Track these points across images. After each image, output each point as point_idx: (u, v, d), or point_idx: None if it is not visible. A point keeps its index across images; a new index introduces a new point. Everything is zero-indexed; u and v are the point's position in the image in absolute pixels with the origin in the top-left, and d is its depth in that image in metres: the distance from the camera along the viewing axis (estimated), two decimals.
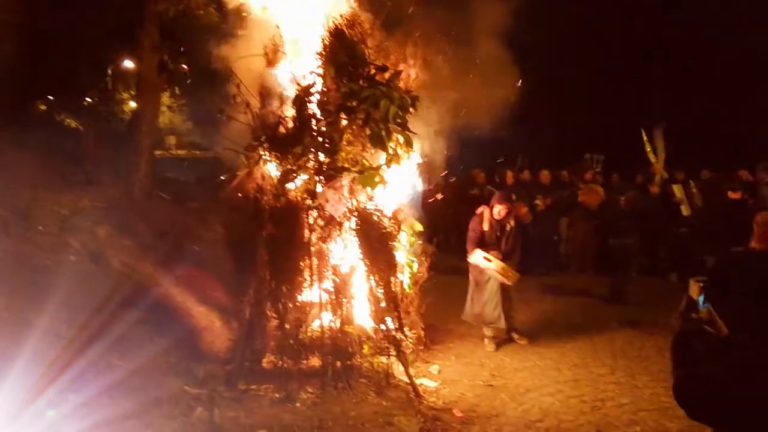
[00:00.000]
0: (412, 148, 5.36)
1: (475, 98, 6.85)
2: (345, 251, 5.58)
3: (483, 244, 6.63)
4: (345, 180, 5.39)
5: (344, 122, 5.34)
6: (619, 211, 9.00)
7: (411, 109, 5.30)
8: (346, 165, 5.44)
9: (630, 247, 8.85)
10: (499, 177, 11.69)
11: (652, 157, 9.99)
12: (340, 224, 5.50)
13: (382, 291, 5.48)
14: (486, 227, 6.65)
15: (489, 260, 6.48)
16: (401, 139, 5.47)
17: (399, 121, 5.09)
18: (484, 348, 6.67)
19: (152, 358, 5.29)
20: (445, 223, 11.71)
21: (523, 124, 14.83)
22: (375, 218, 5.50)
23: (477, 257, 6.55)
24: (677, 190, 10.11)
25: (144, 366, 5.11)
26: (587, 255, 10.75)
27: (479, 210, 6.81)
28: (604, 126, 14.48)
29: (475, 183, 11.78)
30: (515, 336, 6.95)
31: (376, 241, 5.47)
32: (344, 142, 5.37)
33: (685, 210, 10.16)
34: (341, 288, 5.48)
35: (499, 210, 6.64)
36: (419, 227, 6.29)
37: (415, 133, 5.48)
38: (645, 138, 9.80)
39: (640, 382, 5.67)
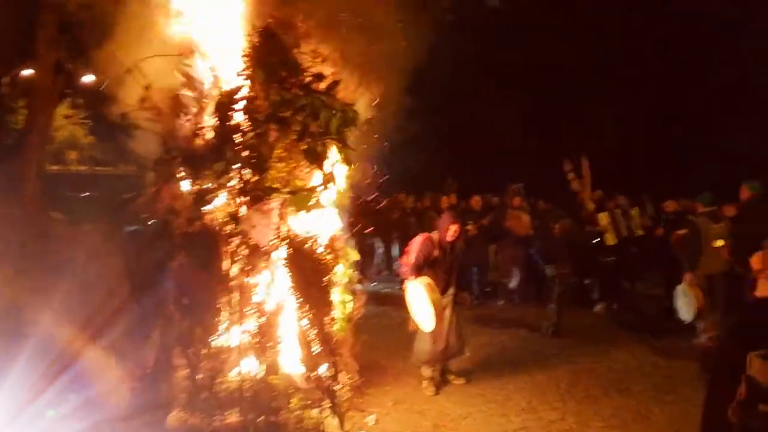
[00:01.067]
0: (353, 169, 4.70)
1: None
2: (272, 286, 4.80)
3: (432, 267, 6.02)
4: (274, 202, 4.63)
5: (275, 135, 4.60)
6: (552, 238, 8.74)
7: (353, 124, 4.64)
8: (276, 185, 4.69)
9: (565, 277, 8.58)
10: (431, 201, 11.29)
11: (576, 186, 9.84)
12: (267, 254, 4.72)
13: (315, 332, 4.74)
14: (437, 252, 6.06)
15: (431, 291, 5.83)
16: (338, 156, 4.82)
17: (340, 136, 4.41)
18: (423, 391, 6.03)
19: None
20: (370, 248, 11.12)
21: (452, 147, 14.66)
22: (309, 247, 4.77)
23: (420, 286, 5.85)
24: (603, 218, 10.02)
25: None
26: (515, 283, 10.44)
27: (425, 235, 6.21)
28: (529, 152, 14.46)
29: (400, 207, 11.29)
30: (451, 377, 6.37)
31: (309, 273, 4.74)
32: (274, 158, 4.62)
33: (610, 239, 10.07)
34: (266, 329, 4.68)
35: (454, 230, 6.07)
36: (355, 256, 5.58)
37: (354, 150, 4.83)
38: (569, 167, 9.66)
39: (592, 429, 5.21)
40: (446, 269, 6.11)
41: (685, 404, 5.68)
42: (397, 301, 8.68)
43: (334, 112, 4.22)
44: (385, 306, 7.36)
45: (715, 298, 7.75)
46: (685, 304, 7.78)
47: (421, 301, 5.80)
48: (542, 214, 10.25)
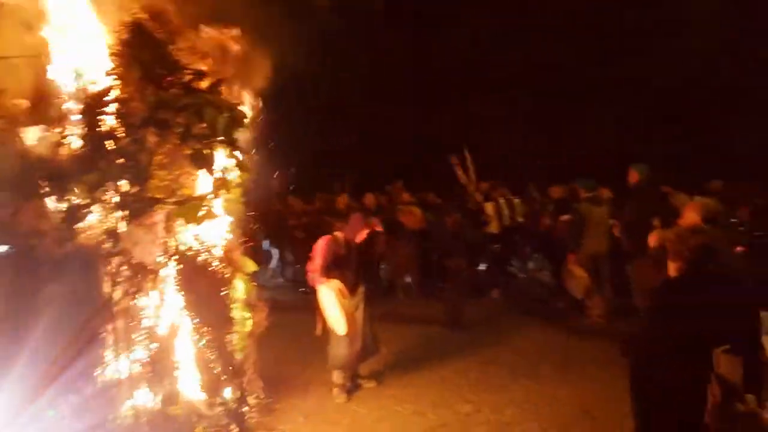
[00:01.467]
0: (247, 171, 4.35)
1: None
2: (162, 307, 4.33)
3: (339, 267, 5.77)
4: (158, 215, 4.17)
5: (154, 140, 4.14)
6: (446, 232, 8.79)
7: (241, 125, 4.28)
8: (159, 195, 4.23)
9: (461, 269, 8.65)
10: (323, 203, 11.03)
11: (463, 179, 9.99)
12: (155, 272, 4.26)
13: (217, 354, 4.33)
14: (342, 251, 5.81)
15: (341, 296, 5.59)
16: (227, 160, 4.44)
17: (228, 137, 4.04)
18: (333, 400, 5.78)
19: None
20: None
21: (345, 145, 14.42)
22: (202, 261, 4.35)
23: (330, 291, 5.60)
24: (488, 207, 10.27)
25: None
26: (411, 278, 10.44)
27: (329, 236, 5.93)
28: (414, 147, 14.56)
29: (291, 212, 10.91)
30: (362, 381, 6.17)
31: (204, 290, 4.33)
32: (155, 166, 4.15)
33: (493, 227, 10.35)
34: (160, 356, 4.22)
35: (360, 232, 5.86)
36: (253, 267, 5.19)
37: (246, 153, 4.47)
38: (455, 161, 9.77)
39: (507, 417, 5.23)
40: (354, 268, 5.90)
41: (590, 383, 5.88)
42: (297, 309, 8.38)
43: (220, 111, 3.84)
44: (285, 314, 6.99)
45: (600, 277, 8.17)
46: (573, 284, 8.13)
47: (332, 306, 5.55)
48: (433, 208, 10.31)
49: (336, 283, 5.58)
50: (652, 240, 3.90)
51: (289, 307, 8.45)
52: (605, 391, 5.55)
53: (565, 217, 8.78)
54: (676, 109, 14.32)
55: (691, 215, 3.88)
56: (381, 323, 8.44)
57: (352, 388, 5.99)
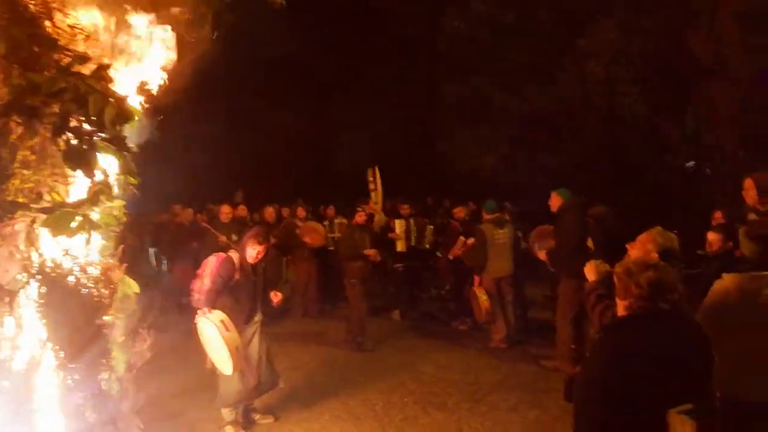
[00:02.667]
0: (134, 177, 3.67)
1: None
2: (20, 337, 3.53)
3: (233, 292, 5.13)
4: (20, 223, 3.39)
5: (19, 131, 3.38)
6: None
7: (130, 120, 3.59)
8: (22, 199, 3.45)
9: (363, 287, 8.25)
10: (208, 213, 10.22)
11: (374, 197, 9.65)
12: (12, 294, 3.46)
13: (88, 394, 3.58)
14: (238, 275, 5.17)
15: (225, 330, 4.93)
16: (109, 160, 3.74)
17: (115, 132, 3.36)
18: None
19: None
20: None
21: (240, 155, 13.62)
22: (73, 281, 3.60)
23: (211, 324, 4.93)
24: (398, 225, 9.95)
25: None
26: (310, 297, 9.88)
27: (218, 257, 5.27)
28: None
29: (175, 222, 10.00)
30: (257, 416, 5.55)
31: (75, 315, 3.57)
32: (18, 163, 3.38)
33: (400, 246, 10.05)
34: (16, 397, 3.41)
35: (257, 251, 5.24)
36: (135, 288, 4.43)
37: (132, 153, 3.77)
38: (370, 177, 9.41)
39: None
40: (250, 294, 5.28)
41: (498, 412, 5.63)
42: (181, 331, 7.56)
43: (107, 101, 3.16)
44: (172, 340, 6.23)
45: (503, 300, 8.06)
46: (476, 307, 7.97)
47: (214, 343, 4.89)
48: (335, 224, 9.88)
49: (218, 315, 4.94)
50: (591, 272, 3.66)
51: (172, 328, 7.60)
52: (520, 423, 5.32)
53: (470, 240, 8.61)
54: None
55: (645, 246, 3.69)
56: (278, 343, 7.90)
57: (245, 424, 5.36)
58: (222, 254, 5.29)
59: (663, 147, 15.30)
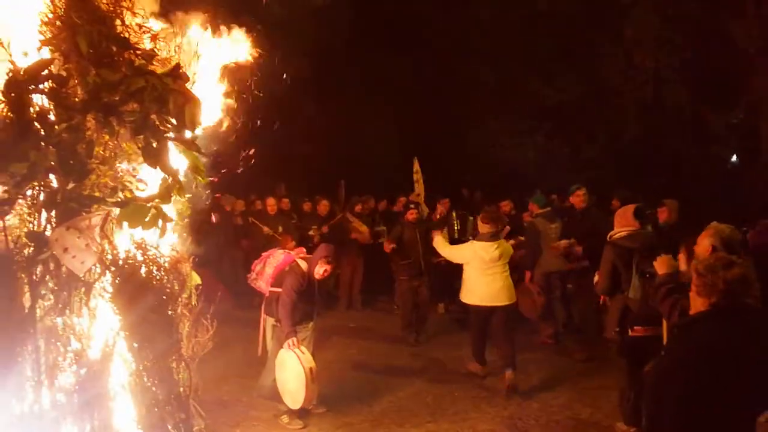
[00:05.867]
0: (202, 176, 3.75)
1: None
2: (95, 327, 3.66)
3: (300, 302, 5.25)
4: (97, 217, 3.51)
5: (95, 128, 3.48)
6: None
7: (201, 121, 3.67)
8: (98, 194, 3.57)
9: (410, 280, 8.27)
10: (250, 206, 10.36)
11: (418, 188, 9.63)
12: (88, 285, 3.59)
13: (158, 382, 3.70)
14: (305, 284, 5.29)
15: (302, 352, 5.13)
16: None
17: (191, 132, 3.44)
18: (284, 427, 5.23)
19: None
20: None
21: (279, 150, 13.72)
22: (145, 273, 3.71)
23: (298, 363, 5.06)
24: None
25: None
26: (355, 291, 9.95)
27: (287, 257, 5.38)
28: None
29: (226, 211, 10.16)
30: (311, 407, 5.64)
31: (146, 307, 3.68)
32: (95, 159, 3.49)
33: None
34: (90, 384, 3.55)
35: (325, 270, 5.33)
36: (197, 280, 4.55)
37: (203, 154, 3.86)
38: (415, 168, 9.39)
39: None
40: (308, 299, 5.39)
41: (551, 410, 5.61)
42: (238, 322, 7.72)
43: (186, 101, 3.23)
44: (224, 331, 6.34)
45: (551, 296, 7.98)
46: (527, 304, 7.89)
47: (295, 378, 5.05)
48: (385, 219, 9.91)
49: (307, 358, 5.10)
50: (662, 265, 3.62)
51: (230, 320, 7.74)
52: (573, 420, 5.31)
53: (519, 238, 8.51)
54: None
55: (706, 242, 3.65)
56: (324, 336, 8.00)
57: (300, 413, 5.45)
58: (290, 256, 5.38)
59: (707, 138, 14.95)
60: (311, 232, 9.04)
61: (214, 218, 9.40)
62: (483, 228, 6.46)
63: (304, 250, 5.79)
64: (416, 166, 9.10)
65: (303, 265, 5.30)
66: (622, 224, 5.23)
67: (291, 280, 5.18)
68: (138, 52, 3.75)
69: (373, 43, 14.55)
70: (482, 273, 6.36)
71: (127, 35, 3.80)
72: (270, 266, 5.30)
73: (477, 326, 6.60)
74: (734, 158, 15.93)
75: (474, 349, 6.64)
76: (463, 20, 15.45)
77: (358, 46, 14.22)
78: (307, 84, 13.16)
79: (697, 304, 2.79)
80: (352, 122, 14.22)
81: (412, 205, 8.27)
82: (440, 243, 6.86)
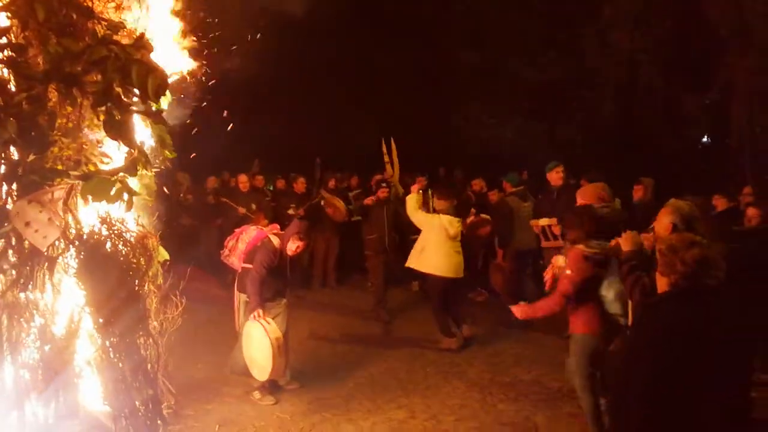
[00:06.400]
0: (170, 150, 3.68)
1: None
2: (59, 302, 3.61)
3: (271, 278, 5.22)
4: (60, 191, 3.43)
5: (57, 99, 3.39)
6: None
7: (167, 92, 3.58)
8: (60, 167, 3.49)
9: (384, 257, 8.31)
10: (223, 183, 10.24)
11: (389, 170, 9.58)
12: (51, 260, 3.52)
13: (125, 358, 3.66)
14: (277, 260, 5.25)
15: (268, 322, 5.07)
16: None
17: (155, 104, 3.36)
18: (256, 403, 5.22)
19: None
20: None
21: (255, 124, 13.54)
22: (111, 247, 3.65)
23: (265, 335, 4.98)
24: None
25: None
26: (329, 268, 9.94)
27: (259, 233, 5.34)
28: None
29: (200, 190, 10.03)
30: (283, 382, 5.65)
31: (113, 282, 3.63)
32: (57, 131, 3.41)
33: None
34: (56, 360, 3.50)
35: (297, 246, 5.30)
36: (165, 255, 4.49)
37: (168, 125, 3.78)
38: (384, 149, 9.31)
39: (446, 424, 4.89)
40: (280, 276, 5.36)
41: (521, 384, 5.68)
42: (211, 302, 7.69)
43: (149, 72, 3.14)
44: (196, 308, 6.29)
45: (522, 274, 8.06)
46: (499, 280, 7.93)
47: (258, 344, 5.02)
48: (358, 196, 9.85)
49: (273, 329, 5.04)
50: (626, 242, 3.65)
51: (203, 297, 7.68)
52: (544, 394, 5.39)
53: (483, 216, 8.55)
54: None
55: (666, 219, 3.67)
56: (299, 312, 8.00)
57: (272, 390, 5.44)
58: (261, 232, 5.34)
59: (681, 119, 15.12)
60: (290, 211, 8.93)
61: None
62: (440, 204, 6.81)
63: (278, 226, 5.76)
64: (384, 149, 9.03)
65: (275, 241, 5.27)
66: (593, 200, 5.23)
67: (262, 255, 5.15)
68: (103, 22, 3.65)
69: (353, 22, 14.38)
70: (441, 245, 6.71)
71: (90, 4, 3.71)
72: (243, 242, 5.27)
73: (438, 298, 6.84)
74: (705, 138, 16.15)
75: (440, 323, 6.81)
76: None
77: (338, 23, 14.04)
78: (284, 61, 13.01)
79: (661, 283, 2.82)
80: (329, 100, 14.10)
81: (383, 184, 8.28)
82: (412, 205, 6.96)
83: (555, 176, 7.54)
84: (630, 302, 3.77)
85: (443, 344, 6.72)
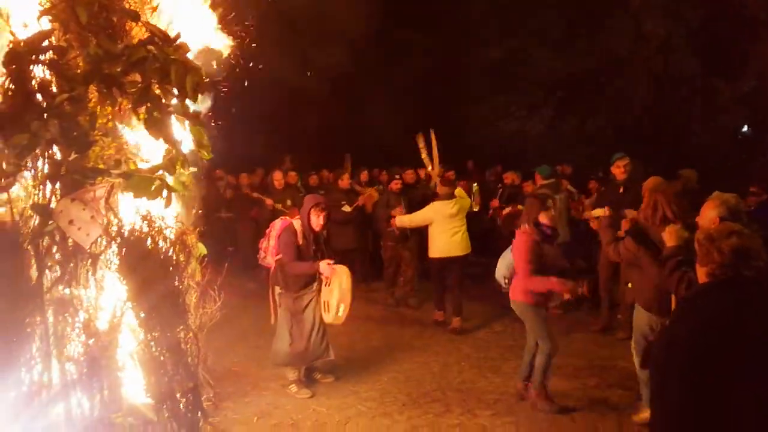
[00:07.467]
0: (206, 150, 3.73)
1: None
2: (102, 298, 3.70)
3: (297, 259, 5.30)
4: (101, 189, 3.51)
5: (97, 99, 3.47)
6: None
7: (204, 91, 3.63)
8: (102, 166, 3.57)
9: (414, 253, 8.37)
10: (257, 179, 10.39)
11: (428, 163, 9.55)
12: (94, 257, 3.61)
13: (166, 351, 3.74)
14: (301, 241, 5.31)
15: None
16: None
17: (193, 104, 3.41)
18: (292, 396, 5.29)
19: None
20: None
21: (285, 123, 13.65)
22: (151, 244, 3.73)
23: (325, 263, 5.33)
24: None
25: None
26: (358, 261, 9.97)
27: (283, 222, 5.42)
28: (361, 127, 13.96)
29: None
30: (318, 376, 5.71)
31: (153, 278, 3.70)
32: (98, 131, 3.49)
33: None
34: (99, 355, 3.59)
35: (320, 217, 5.35)
36: (203, 250, 4.57)
37: (204, 125, 3.83)
38: (421, 143, 9.28)
39: (482, 419, 4.89)
40: (314, 258, 5.40)
41: (559, 379, 5.60)
42: (248, 295, 7.82)
43: (187, 72, 3.19)
44: (233, 302, 6.40)
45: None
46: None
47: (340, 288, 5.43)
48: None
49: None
50: (671, 237, 3.58)
51: (237, 293, 7.79)
52: (581, 390, 5.35)
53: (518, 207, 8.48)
54: None
55: (712, 213, 3.60)
56: None
57: (308, 383, 5.51)
58: (285, 220, 5.43)
59: (716, 108, 14.73)
60: (345, 208, 8.90)
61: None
62: (441, 190, 7.51)
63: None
64: (421, 144, 8.99)
65: (296, 224, 5.36)
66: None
67: (285, 238, 5.29)
68: (142, 23, 3.71)
69: (387, 21, 14.37)
70: (443, 228, 7.28)
71: (128, 6, 3.78)
72: (272, 238, 5.35)
73: (436, 276, 7.56)
74: (745, 128, 15.69)
75: (435, 298, 7.60)
76: None
77: (373, 23, 14.06)
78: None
79: (700, 273, 2.76)
80: (359, 96, 14.14)
81: (396, 176, 8.64)
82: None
83: (618, 170, 7.17)
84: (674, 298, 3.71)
85: (435, 316, 7.50)
